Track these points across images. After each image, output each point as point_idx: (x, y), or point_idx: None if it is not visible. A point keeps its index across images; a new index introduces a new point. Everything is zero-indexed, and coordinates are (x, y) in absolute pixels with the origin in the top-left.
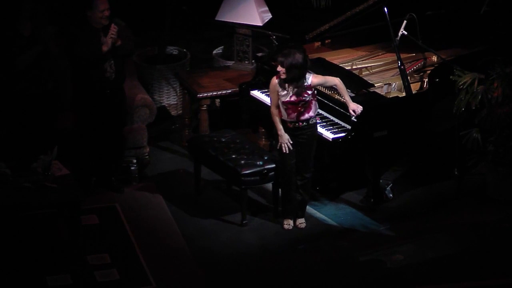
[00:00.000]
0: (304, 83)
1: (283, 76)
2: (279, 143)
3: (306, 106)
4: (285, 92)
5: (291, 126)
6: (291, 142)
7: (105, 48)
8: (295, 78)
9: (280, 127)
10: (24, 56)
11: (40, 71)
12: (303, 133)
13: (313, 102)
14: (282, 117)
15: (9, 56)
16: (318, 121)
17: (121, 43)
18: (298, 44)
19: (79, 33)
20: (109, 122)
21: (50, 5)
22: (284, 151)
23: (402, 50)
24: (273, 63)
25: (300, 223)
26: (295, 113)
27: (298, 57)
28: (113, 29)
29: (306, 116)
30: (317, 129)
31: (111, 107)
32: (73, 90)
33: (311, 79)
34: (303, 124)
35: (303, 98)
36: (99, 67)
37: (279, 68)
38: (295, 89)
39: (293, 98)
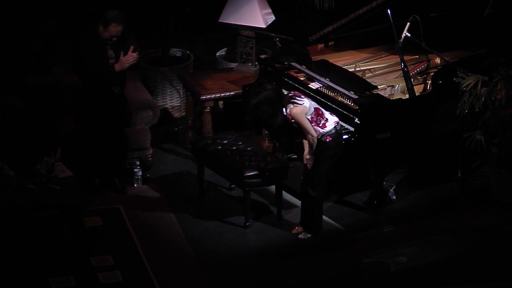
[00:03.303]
0: (288, 112)
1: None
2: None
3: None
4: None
5: None
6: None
7: (118, 68)
8: (271, 115)
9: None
10: (34, 78)
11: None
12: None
13: (314, 127)
14: None
15: (19, 73)
16: (328, 141)
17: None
18: (300, 55)
19: (88, 45)
20: (111, 124)
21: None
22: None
23: (406, 52)
24: (276, 65)
25: (301, 235)
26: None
27: (258, 96)
28: (132, 56)
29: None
30: (326, 150)
31: (113, 109)
32: (75, 92)
33: (292, 110)
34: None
35: (292, 122)
36: (107, 82)
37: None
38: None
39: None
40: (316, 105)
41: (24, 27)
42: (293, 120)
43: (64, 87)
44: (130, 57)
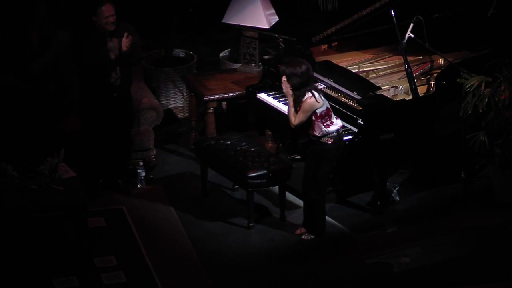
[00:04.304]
0: (302, 97)
1: (284, 85)
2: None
3: (308, 123)
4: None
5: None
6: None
7: (112, 56)
8: (296, 87)
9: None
10: (38, 62)
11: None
12: (307, 148)
13: (317, 123)
14: None
15: (22, 63)
16: (329, 143)
17: (130, 51)
18: (304, 56)
19: (86, 38)
20: (115, 124)
21: (60, 11)
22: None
23: (409, 52)
24: (279, 65)
25: (304, 236)
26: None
27: (301, 67)
28: (127, 41)
29: (309, 132)
30: (326, 152)
31: (117, 110)
32: (80, 92)
33: (307, 99)
34: (305, 139)
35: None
36: (104, 72)
37: (283, 77)
38: (294, 99)
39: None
40: (329, 106)
41: (20, 18)
42: (299, 107)
43: (66, 53)
44: (123, 42)
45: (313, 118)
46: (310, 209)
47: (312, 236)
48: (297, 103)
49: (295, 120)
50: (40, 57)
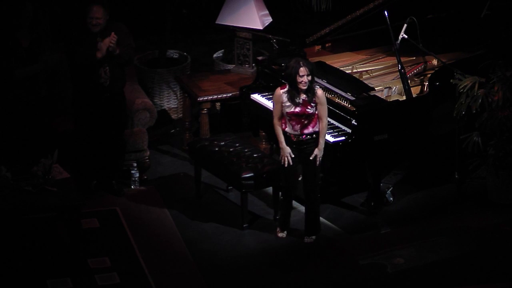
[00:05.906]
0: (314, 92)
1: (304, 86)
2: (281, 156)
3: (311, 119)
4: (289, 103)
5: (295, 139)
6: (293, 156)
7: (99, 55)
8: (313, 81)
9: (281, 139)
10: (23, 71)
11: (34, 79)
12: (307, 148)
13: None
14: (286, 129)
15: (6, 66)
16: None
17: (119, 52)
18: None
19: (78, 36)
20: (108, 125)
21: (52, 12)
22: (285, 164)
23: (403, 53)
24: (273, 66)
25: (307, 239)
26: (299, 125)
27: (310, 63)
28: (113, 38)
29: (310, 129)
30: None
31: (109, 110)
32: (72, 93)
33: (318, 91)
34: (306, 138)
35: (307, 110)
36: (93, 72)
37: (303, 72)
38: (307, 98)
39: (297, 110)
40: None
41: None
42: (313, 104)
43: (53, 66)
44: (105, 41)
45: (315, 110)
46: (312, 210)
47: (314, 237)
48: (311, 98)
49: (324, 120)
50: (26, 66)
